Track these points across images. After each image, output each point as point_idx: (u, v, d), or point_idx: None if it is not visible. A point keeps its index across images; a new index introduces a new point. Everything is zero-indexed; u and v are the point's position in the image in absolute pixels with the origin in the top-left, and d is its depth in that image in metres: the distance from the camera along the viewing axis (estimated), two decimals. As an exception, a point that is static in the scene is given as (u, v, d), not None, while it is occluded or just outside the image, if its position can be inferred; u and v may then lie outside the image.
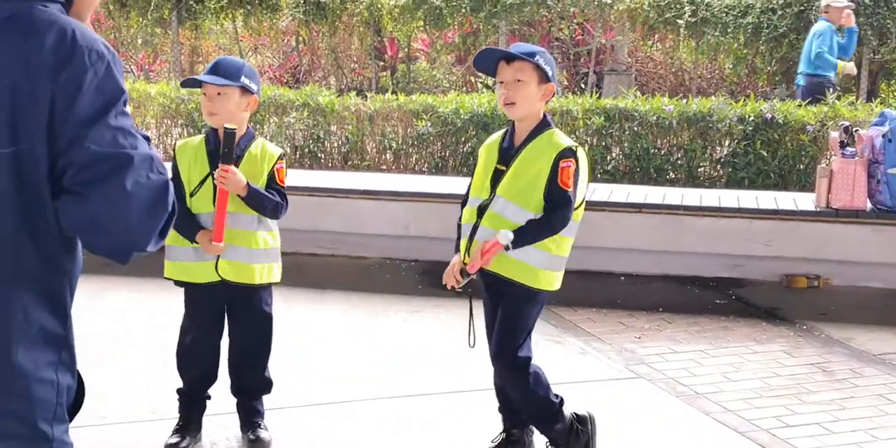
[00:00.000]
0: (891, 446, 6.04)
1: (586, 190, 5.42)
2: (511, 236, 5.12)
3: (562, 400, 5.53)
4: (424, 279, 9.63)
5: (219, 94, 5.55)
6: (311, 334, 7.84)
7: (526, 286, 5.33)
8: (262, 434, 5.86)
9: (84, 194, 2.65)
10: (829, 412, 6.53)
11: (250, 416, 5.93)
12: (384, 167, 13.55)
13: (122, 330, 7.92)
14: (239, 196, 5.50)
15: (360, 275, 9.86)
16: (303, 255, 9.80)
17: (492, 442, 5.74)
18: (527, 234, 5.19)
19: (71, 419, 2.86)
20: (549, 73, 5.25)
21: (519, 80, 5.23)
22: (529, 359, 5.41)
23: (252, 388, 5.95)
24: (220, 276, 5.62)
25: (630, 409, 6.49)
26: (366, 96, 14.08)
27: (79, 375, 2.89)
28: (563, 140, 5.28)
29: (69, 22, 2.72)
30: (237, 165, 5.54)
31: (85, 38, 2.71)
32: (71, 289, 2.84)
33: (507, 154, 5.36)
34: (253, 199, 5.52)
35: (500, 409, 5.77)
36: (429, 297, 9.00)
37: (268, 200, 5.57)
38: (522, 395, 5.48)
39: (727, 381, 7.09)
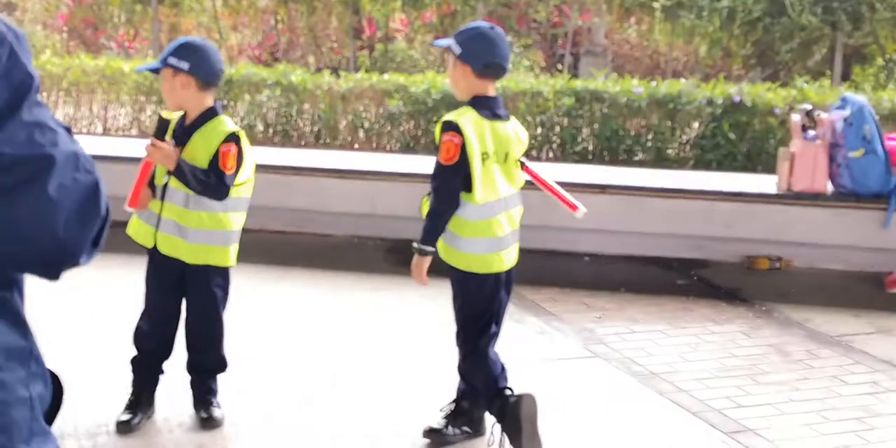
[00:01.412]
0: (841, 428, 6.07)
1: None
2: None
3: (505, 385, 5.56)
4: (390, 257, 9.66)
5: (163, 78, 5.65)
6: (274, 312, 7.87)
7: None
8: (215, 412, 5.85)
9: (3, 205, 2.22)
10: (783, 393, 6.58)
11: (203, 394, 5.92)
12: (356, 146, 13.58)
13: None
14: (168, 171, 5.50)
15: (326, 253, 9.89)
16: (269, 233, 9.81)
17: (440, 411, 5.80)
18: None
19: (51, 422, 2.55)
20: (458, 52, 5.26)
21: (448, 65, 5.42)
22: (476, 348, 5.53)
23: (204, 366, 5.95)
24: (154, 244, 5.67)
25: (585, 388, 6.53)
26: (339, 75, 14.11)
27: (52, 375, 2.55)
28: (457, 119, 5.25)
29: None
30: (187, 141, 5.57)
31: None
32: (21, 295, 2.47)
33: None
34: (179, 175, 5.47)
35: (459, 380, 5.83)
36: (394, 276, 9.00)
37: (195, 180, 5.48)
38: (471, 376, 5.62)
39: (683, 361, 7.14)
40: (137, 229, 5.77)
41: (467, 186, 5.28)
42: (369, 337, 7.47)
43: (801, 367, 7.10)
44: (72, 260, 2.35)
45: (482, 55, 5.26)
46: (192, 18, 20.68)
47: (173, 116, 5.52)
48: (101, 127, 14.94)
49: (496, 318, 5.57)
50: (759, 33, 16.74)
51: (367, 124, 13.48)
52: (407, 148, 13.21)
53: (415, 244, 5.31)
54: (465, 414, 5.76)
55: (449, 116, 5.26)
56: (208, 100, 5.66)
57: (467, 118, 5.24)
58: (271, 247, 9.52)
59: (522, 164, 5.57)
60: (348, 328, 7.67)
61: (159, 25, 19.54)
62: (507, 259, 5.50)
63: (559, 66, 18.17)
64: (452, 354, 5.72)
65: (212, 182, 5.51)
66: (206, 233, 5.62)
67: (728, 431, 5.95)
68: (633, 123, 12.77)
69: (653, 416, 6.19)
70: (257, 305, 7.72)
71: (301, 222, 10.35)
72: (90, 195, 2.34)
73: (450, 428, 5.72)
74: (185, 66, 5.51)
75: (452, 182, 5.27)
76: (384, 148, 13.50)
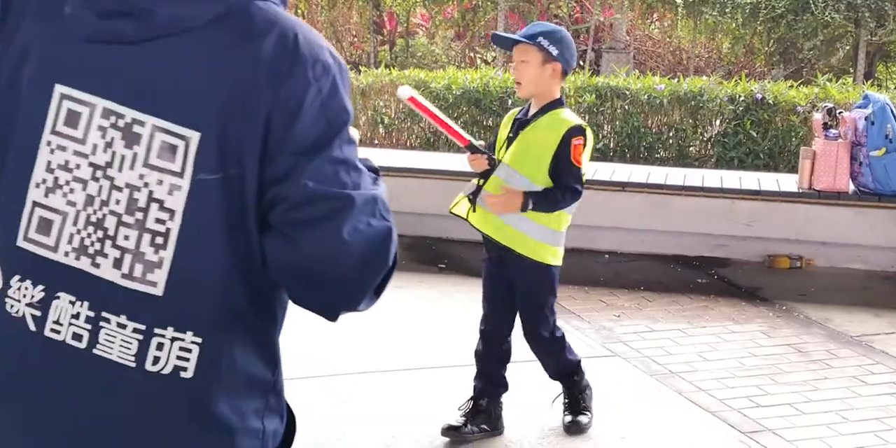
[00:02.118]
0: (861, 428, 6.07)
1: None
2: None
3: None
4: (410, 254, 9.65)
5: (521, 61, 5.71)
6: (291, 310, 7.85)
7: (532, 260, 5.58)
8: None
9: (294, 239, 2.16)
10: (802, 393, 6.57)
11: None
12: (376, 142, 13.57)
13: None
14: None
15: (346, 250, 9.84)
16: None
17: (458, 409, 5.81)
18: (547, 199, 5.42)
19: None
20: (554, 53, 5.42)
21: (523, 61, 5.51)
22: (563, 337, 5.86)
23: None
24: None
25: (603, 387, 6.48)
26: (359, 70, 14.11)
27: (289, 411, 2.51)
28: (573, 118, 5.56)
29: (292, 22, 2.21)
30: None
31: (310, 44, 2.20)
32: (279, 329, 2.43)
33: (520, 125, 5.60)
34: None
35: (475, 377, 5.87)
36: (414, 273, 9.03)
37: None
38: (555, 364, 5.92)
39: (702, 360, 7.13)
40: None
41: None
42: (390, 334, 7.45)
43: (821, 366, 7.09)
44: (352, 305, 2.31)
45: (571, 58, 5.53)
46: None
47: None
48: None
49: None
50: (783, 30, 16.67)
51: (387, 120, 13.47)
52: (428, 144, 13.19)
53: (531, 200, 5.38)
54: (483, 412, 5.79)
55: (575, 120, 5.52)
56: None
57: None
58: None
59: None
60: (368, 325, 7.64)
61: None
62: None
63: (580, 63, 18.13)
64: (472, 352, 5.75)
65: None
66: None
67: (747, 431, 5.94)
68: (655, 121, 12.73)
69: (672, 416, 6.19)
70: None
71: (320, 219, 10.34)
72: (382, 242, 2.23)
73: (468, 426, 5.74)
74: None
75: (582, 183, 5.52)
76: (405, 144, 13.49)
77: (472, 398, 5.83)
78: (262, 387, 2.33)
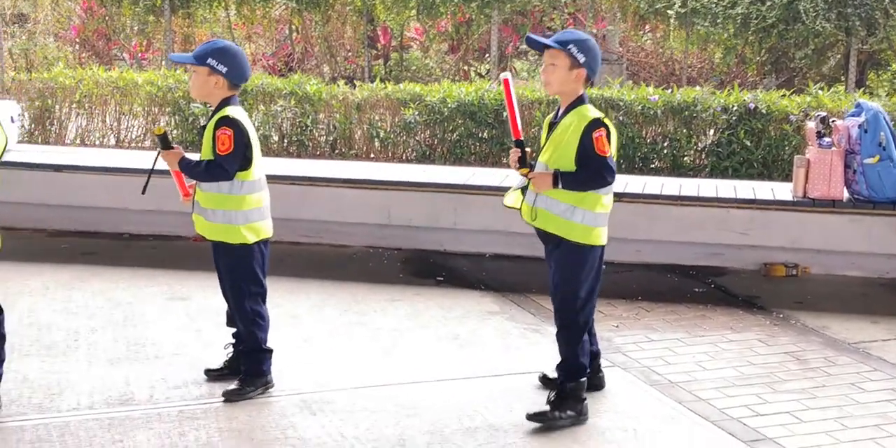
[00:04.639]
0: (860, 435, 6.05)
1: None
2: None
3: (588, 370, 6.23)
4: (406, 268, 9.67)
5: (194, 71, 6.36)
6: (289, 322, 7.87)
7: (566, 239, 6.04)
8: (231, 391, 6.38)
9: None
10: (801, 401, 6.55)
11: (237, 367, 6.59)
12: (372, 156, 13.59)
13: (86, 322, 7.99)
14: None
15: (342, 264, 9.88)
16: (284, 244, 9.80)
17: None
18: (575, 176, 5.89)
19: None
20: (581, 60, 5.91)
21: (553, 64, 5.99)
22: (586, 324, 6.19)
23: (240, 340, 6.63)
24: None
25: (604, 397, 6.50)
26: (354, 85, 14.13)
27: None
28: (592, 112, 5.95)
29: None
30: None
31: None
32: None
33: (552, 127, 6.11)
34: (186, 171, 6.32)
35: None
36: (409, 286, 9.04)
37: (191, 170, 6.27)
38: (565, 350, 6.18)
39: (701, 369, 7.12)
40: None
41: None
42: (384, 348, 7.46)
43: (819, 374, 7.08)
44: None
45: (596, 66, 6.01)
46: (206, 29, 20.69)
47: (165, 129, 6.57)
48: (114, 139, 14.94)
49: None
50: (774, 40, 16.69)
51: (382, 134, 13.48)
52: (423, 157, 13.22)
53: (560, 178, 5.89)
54: (572, 397, 6.13)
55: (595, 114, 5.94)
56: (230, 95, 6.35)
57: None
58: (286, 258, 9.52)
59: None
60: (363, 338, 7.66)
61: (172, 36, 19.53)
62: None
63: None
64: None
65: (202, 168, 6.21)
66: (220, 212, 6.29)
67: (747, 440, 5.93)
68: (649, 131, 12.77)
69: (672, 425, 6.17)
70: (271, 316, 7.69)
71: (316, 233, 10.37)
72: None
73: (556, 412, 6.05)
74: (223, 69, 6.24)
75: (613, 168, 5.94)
76: (400, 158, 13.51)
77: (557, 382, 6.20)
78: None
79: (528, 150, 6.04)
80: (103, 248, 10.19)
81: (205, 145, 6.26)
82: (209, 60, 6.24)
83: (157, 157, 6.40)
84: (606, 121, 5.93)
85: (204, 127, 6.31)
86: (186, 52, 20.29)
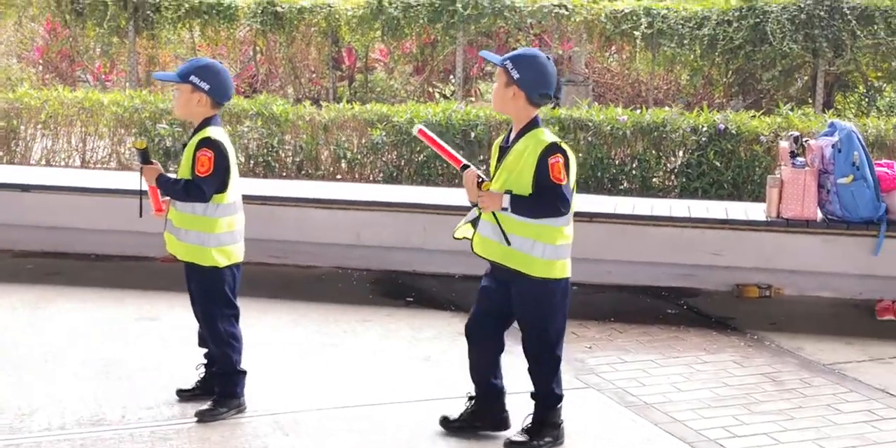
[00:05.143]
0: (838, 456, 6.04)
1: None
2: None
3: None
4: (376, 288, 9.59)
5: (177, 89, 6.30)
6: (258, 344, 7.77)
7: (528, 276, 5.78)
8: (204, 411, 6.28)
9: None
10: (778, 422, 6.51)
11: (210, 388, 6.51)
12: (339, 176, 13.52)
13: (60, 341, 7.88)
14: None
15: (311, 284, 9.79)
16: (252, 265, 9.67)
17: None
18: (527, 201, 5.65)
19: None
20: (514, 77, 5.67)
21: (495, 81, 5.91)
22: (559, 358, 6.02)
23: (213, 360, 6.56)
24: None
25: (579, 419, 6.42)
26: (320, 105, 14.07)
27: None
28: (547, 137, 5.70)
29: None
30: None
31: None
32: None
33: (503, 151, 5.85)
34: (161, 188, 6.29)
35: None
36: (380, 307, 8.98)
37: (168, 188, 6.23)
38: (542, 384, 6.03)
39: (676, 391, 7.06)
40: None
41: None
42: (356, 368, 7.39)
43: (795, 395, 7.04)
44: None
45: (537, 84, 5.70)
46: (170, 50, 20.58)
47: (146, 143, 6.44)
48: (79, 159, 14.84)
49: None
50: (741, 61, 16.72)
51: (349, 155, 13.42)
52: (390, 178, 13.16)
53: (507, 198, 5.64)
54: (549, 424, 6.02)
55: (551, 138, 5.69)
56: (212, 114, 6.31)
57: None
58: (255, 279, 9.40)
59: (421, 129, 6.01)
60: (334, 359, 7.58)
61: (136, 57, 19.44)
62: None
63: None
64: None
65: (179, 187, 6.15)
66: (192, 233, 6.23)
67: (725, 462, 5.88)
68: (618, 152, 12.75)
69: (649, 447, 6.11)
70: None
71: (284, 254, 10.27)
72: None
73: (534, 441, 5.95)
74: (205, 86, 6.19)
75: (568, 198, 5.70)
76: (367, 178, 13.45)
77: (470, 397, 6.24)
78: None
79: (480, 173, 5.82)
80: (70, 269, 10.07)
81: (183, 164, 6.20)
82: (192, 77, 6.19)
83: (141, 177, 6.35)
84: (564, 146, 5.70)
85: (184, 145, 6.27)
86: (151, 72, 20.37)
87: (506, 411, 6.17)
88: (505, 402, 6.16)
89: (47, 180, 10.98)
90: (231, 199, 6.27)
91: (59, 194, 10.51)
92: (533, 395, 6.07)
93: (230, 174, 6.22)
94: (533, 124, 5.75)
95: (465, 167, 5.79)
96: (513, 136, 5.81)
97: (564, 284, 5.87)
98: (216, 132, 6.22)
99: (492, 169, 5.91)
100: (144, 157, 6.30)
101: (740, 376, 7.41)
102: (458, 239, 6.02)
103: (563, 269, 5.82)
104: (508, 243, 5.70)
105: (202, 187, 6.08)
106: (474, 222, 5.88)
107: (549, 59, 5.76)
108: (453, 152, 5.95)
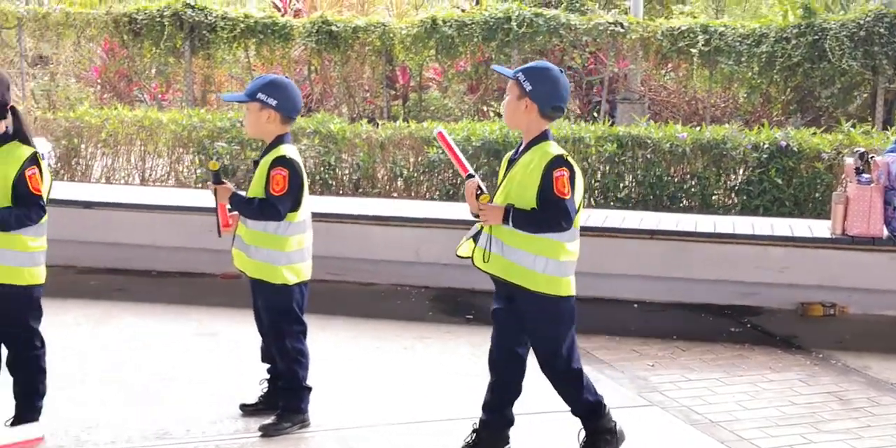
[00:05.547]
0: (908, 476, 5.94)
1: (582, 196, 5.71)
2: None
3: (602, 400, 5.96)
4: (434, 306, 9.55)
5: (247, 109, 6.33)
6: (318, 360, 7.73)
7: (531, 291, 5.64)
8: (269, 427, 6.27)
9: None
10: (846, 441, 6.42)
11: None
12: (395, 194, 13.51)
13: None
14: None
15: (369, 301, 9.76)
16: (312, 281, 9.65)
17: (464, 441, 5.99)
18: (528, 215, 5.52)
19: None
20: (527, 89, 5.59)
21: (507, 95, 5.74)
22: (580, 370, 5.85)
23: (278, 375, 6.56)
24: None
25: (643, 436, 6.36)
26: (377, 124, 14.08)
27: None
28: (554, 149, 5.59)
29: None
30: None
31: None
32: None
33: (511, 164, 5.74)
34: (234, 206, 6.25)
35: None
36: (439, 324, 8.94)
37: (242, 207, 6.21)
38: (569, 399, 5.92)
39: (742, 409, 6.98)
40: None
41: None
42: (414, 385, 7.37)
43: (863, 414, 6.94)
44: None
45: (550, 97, 5.61)
46: (225, 70, 20.67)
47: (219, 164, 6.40)
48: (138, 177, 14.93)
49: None
50: (799, 78, 16.62)
51: (405, 173, 13.41)
52: (447, 196, 13.12)
53: (511, 214, 5.53)
54: (604, 430, 5.95)
55: (557, 151, 5.57)
56: (284, 131, 6.31)
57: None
58: (313, 295, 9.30)
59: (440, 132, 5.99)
60: (393, 376, 7.53)
61: (192, 77, 19.54)
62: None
63: (594, 115, 18.06)
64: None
65: (254, 206, 6.15)
66: (263, 251, 6.20)
67: (795, 481, 5.80)
68: (677, 169, 12.66)
69: (717, 466, 6.04)
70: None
71: (343, 271, 10.23)
72: None
73: None
74: (272, 102, 6.21)
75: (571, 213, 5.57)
76: (423, 196, 13.43)
77: (473, 430, 6.09)
78: None
79: (482, 184, 5.73)
80: (131, 285, 10.13)
81: (255, 182, 6.21)
82: (259, 95, 6.22)
83: (216, 196, 6.33)
84: (570, 159, 5.57)
85: (257, 162, 6.29)
86: (206, 93, 20.48)
87: (509, 444, 6.06)
88: (510, 435, 6.08)
89: (109, 197, 11.05)
90: (302, 217, 6.26)
91: (123, 211, 10.59)
92: (573, 413, 5.97)
93: (303, 192, 6.21)
94: (542, 137, 5.66)
95: (470, 177, 5.74)
96: (522, 148, 5.72)
97: (571, 302, 5.73)
98: (290, 150, 6.22)
99: (499, 181, 5.82)
100: (217, 177, 6.31)
101: (807, 395, 7.31)
102: (460, 257, 5.93)
103: (567, 287, 5.69)
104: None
105: (277, 206, 6.07)
106: (475, 237, 5.79)
107: (561, 72, 5.69)
108: (464, 161, 5.87)
